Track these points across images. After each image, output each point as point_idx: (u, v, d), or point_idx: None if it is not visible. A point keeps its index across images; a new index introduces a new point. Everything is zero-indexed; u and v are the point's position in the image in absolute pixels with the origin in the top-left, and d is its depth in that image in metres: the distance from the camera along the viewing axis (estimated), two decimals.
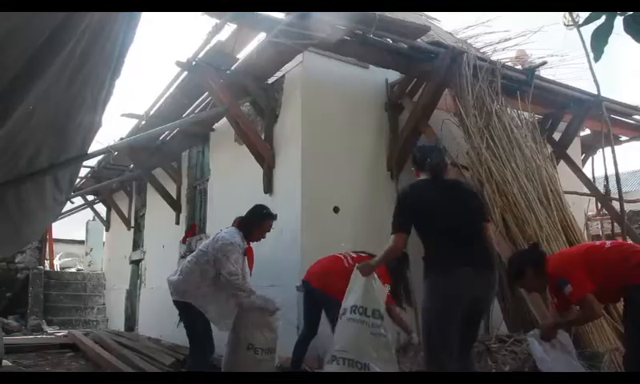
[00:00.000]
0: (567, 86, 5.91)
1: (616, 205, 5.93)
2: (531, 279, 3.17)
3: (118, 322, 9.85)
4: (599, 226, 7.89)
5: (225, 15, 4.22)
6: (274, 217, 4.11)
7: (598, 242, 3.66)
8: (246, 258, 4.03)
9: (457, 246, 2.76)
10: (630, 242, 5.14)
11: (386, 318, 3.29)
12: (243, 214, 4.09)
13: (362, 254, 4.17)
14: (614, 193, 6.00)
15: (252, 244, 4.20)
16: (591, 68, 5.37)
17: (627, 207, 6.25)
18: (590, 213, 7.20)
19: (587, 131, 7.29)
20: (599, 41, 1.58)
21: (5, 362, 5.03)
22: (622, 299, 3.15)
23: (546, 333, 3.21)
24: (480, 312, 2.96)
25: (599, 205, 6.97)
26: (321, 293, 3.94)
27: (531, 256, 3.22)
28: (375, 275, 3.23)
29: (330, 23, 4.20)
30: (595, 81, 5.64)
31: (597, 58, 1.61)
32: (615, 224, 6.07)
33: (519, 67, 5.84)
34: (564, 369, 3.02)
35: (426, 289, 2.79)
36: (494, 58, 5.54)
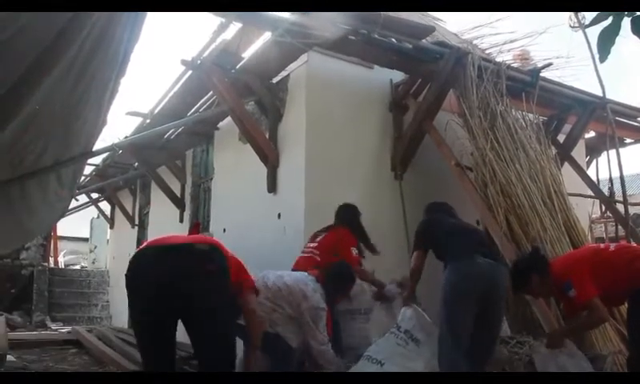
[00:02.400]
0: (572, 88, 5.87)
1: (620, 207, 5.90)
2: (537, 286, 3.14)
3: (121, 319, 9.86)
4: (603, 229, 7.87)
5: (230, 14, 4.22)
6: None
7: (602, 245, 3.60)
8: None
9: (475, 244, 3.28)
10: (634, 245, 5.10)
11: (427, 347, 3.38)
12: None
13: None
14: (619, 195, 5.98)
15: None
16: (596, 70, 5.36)
17: (631, 210, 6.21)
18: (594, 215, 7.17)
19: (592, 133, 7.25)
20: (605, 42, 1.57)
21: (9, 357, 5.05)
22: (626, 303, 3.13)
23: (553, 341, 3.18)
24: (496, 303, 3.19)
25: (603, 207, 6.95)
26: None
27: (534, 262, 3.18)
28: (414, 306, 3.57)
29: (335, 22, 4.20)
30: (600, 83, 5.62)
31: (602, 59, 1.60)
32: (619, 227, 6.05)
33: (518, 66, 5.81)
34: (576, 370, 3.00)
35: (447, 271, 3.19)
36: (499, 59, 5.51)
